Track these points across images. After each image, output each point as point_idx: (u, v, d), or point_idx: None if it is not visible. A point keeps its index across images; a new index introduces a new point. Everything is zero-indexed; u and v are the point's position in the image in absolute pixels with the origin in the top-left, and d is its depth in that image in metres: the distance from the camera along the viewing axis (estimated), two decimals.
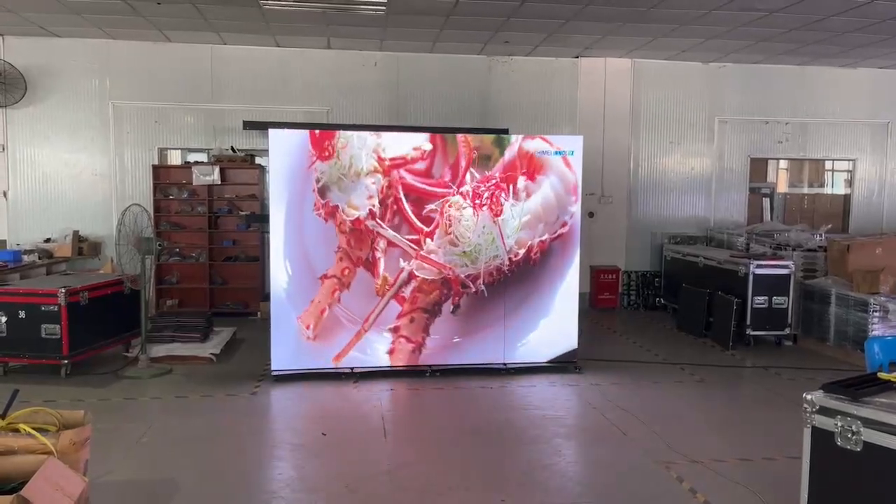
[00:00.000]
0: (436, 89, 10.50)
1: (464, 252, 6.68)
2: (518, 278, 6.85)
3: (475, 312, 6.80)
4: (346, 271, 6.48)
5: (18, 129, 9.78)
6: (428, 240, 6.62)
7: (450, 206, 6.63)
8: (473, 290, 6.72)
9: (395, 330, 6.62)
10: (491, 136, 6.95)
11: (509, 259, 6.80)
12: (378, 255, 6.52)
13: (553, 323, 6.99)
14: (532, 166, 6.84)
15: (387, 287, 6.54)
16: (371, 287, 6.55)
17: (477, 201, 6.68)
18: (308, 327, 6.48)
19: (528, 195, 6.87)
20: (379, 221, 6.49)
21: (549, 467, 4.74)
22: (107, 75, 9.90)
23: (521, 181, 6.83)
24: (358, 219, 6.47)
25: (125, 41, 9.80)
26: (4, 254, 8.75)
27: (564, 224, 6.97)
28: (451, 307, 6.70)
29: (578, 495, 4.35)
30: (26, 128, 9.79)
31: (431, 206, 6.60)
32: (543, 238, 6.88)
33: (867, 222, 11.59)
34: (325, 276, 6.45)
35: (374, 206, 6.50)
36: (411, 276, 6.59)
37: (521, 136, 6.86)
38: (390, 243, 6.54)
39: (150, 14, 8.49)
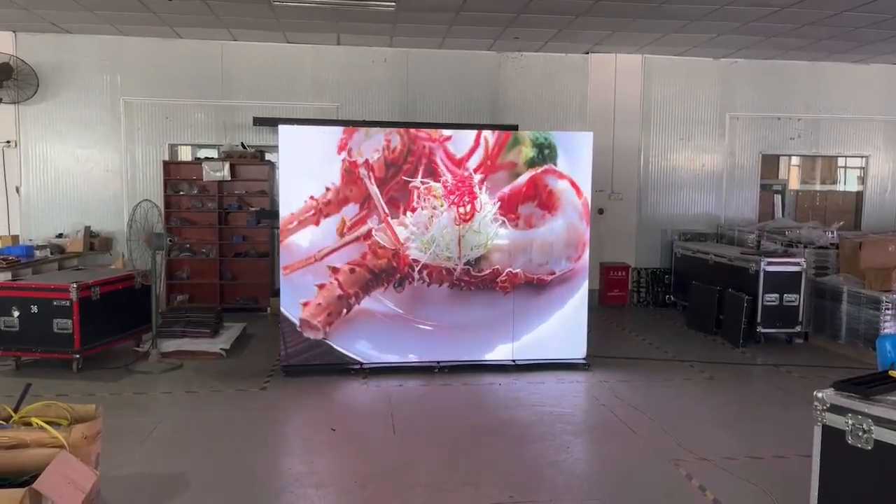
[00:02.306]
0: (446, 85, 10.48)
1: (423, 239, 6.66)
2: (478, 295, 6.77)
3: (425, 299, 6.72)
4: (327, 203, 6.49)
5: (31, 125, 9.84)
6: (409, 213, 6.62)
7: (428, 190, 6.63)
8: (417, 277, 6.67)
9: (334, 270, 6.55)
10: (530, 157, 6.80)
11: (466, 269, 6.74)
12: (366, 205, 6.54)
13: (510, 351, 6.96)
14: (550, 202, 6.84)
15: (345, 230, 6.53)
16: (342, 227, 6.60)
17: (451, 197, 6.66)
18: (281, 235, 6.52)
19: (529, 226, 6.84)
20: (369, 173, 6.50)
21: (558, 464, 4.73)
22: (118, 72, 9.94)
23: (527, 209, 6.80)
24: (354, 162, 6.50)
25: (136, 38, 9.85)
26: (17, 249, 8.82)
27: (552, 273, 6.91)
28: (395, 282, 6.65)
29: (587, 492, 4.34)
30: (38, 124, 9.85)
31: (414, 182, 6.59)
32: (517, 272, 6.83)
33: (880, 219, 11.50)
34: (311, 197, 6.47)
35: (373, 158, 6.52)
36: (370, 234, 6.57)
37: (544, 168, 6.79)
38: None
39: (161, 11, 8.53)
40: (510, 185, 6.77)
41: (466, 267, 6.74)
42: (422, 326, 6.77)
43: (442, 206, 6.65)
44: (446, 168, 6.66)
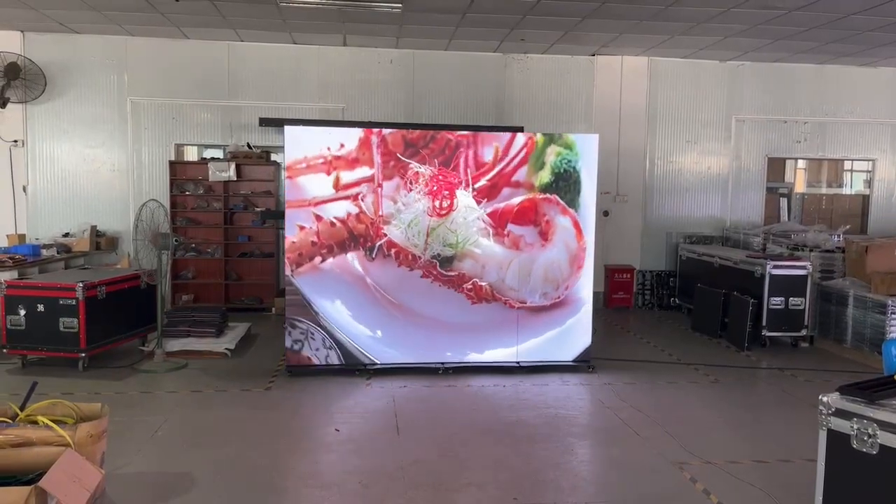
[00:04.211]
0: (451, 87, 10.49)
1: (402, 219, 6.65)
2: (440, 290, 6.74)
3: (406, 284, 6.71)
4: (338, 158, 6.56)
5: (38, 125, 9.88)
6: (404, 191, 6.64)
7: (418, 173, 6.64)
8: (385, 252, 6.66)
9: (318, 218, 6.58)
10: (545, 182, 6.79)
11: (433, 263, 6.71)
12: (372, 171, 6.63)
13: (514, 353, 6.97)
14: (545, 233, 6.83)
15: (338, 187, 6.57)
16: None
17: (431, 186, 6.67)
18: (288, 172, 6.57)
19: (515, 246, 6.81)
20: (380, 144, 6.57)
21: (562, 466, 4.73)
22: (125, 71, 9.98)
23: (520, 230, 6.78)
24: (370, 129, 6.66)
25: (143, 38, 9.88)
26: (24, 248, 8.85)
27: (522, 302, 6.86)
28: (367, 249, 6.64)
29: (591, 495, 4.34)
30: (46, 123, 9.90)
31: (413, 164, 6.61)
32: (483, 285, 6.79)
33: (886, 223, 11.46)
34: (328, 148, 6.54)
35: (387, 131, 6.66)
36: (358, 196, 6.60)
37: (545, 196, 6.78)
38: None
39: (168, 11, 8.56)
40: (506, 201, 6.77)
41: (434, 261, 6.73)
42: (400, 311, 6.74)
43: (422, 192, 6.66)
44: (464, 167, 6.68)
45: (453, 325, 6.83)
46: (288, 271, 6.61)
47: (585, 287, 7.01)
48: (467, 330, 6.87)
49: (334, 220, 6.60)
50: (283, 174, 6.80)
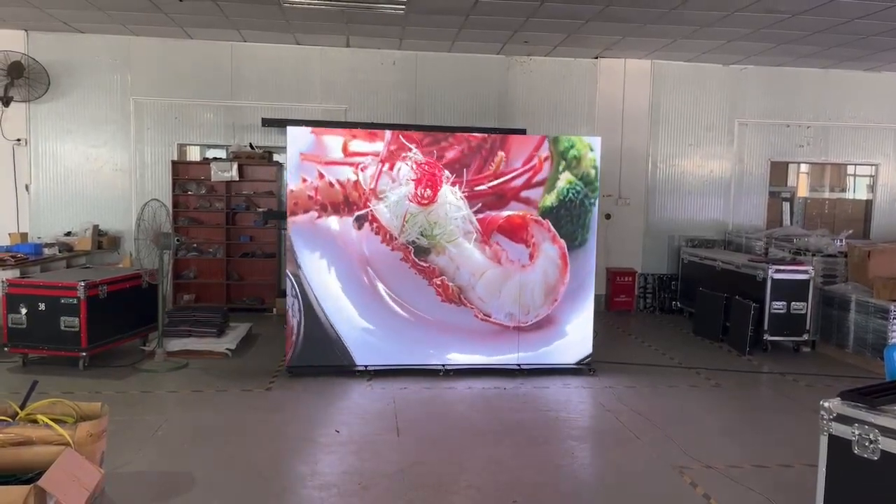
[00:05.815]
0: (454, 89, 10.49)
1: (389, 194, 6.67)
2: (417, 279, 6.73)
3: (376, 246, 6.71)
4: (352, 132, 6.74)
5: (41, 124, 9.89)
6: (401, 172, 6.70)
7: (411, 156, 6.65)
8: (368, 225, 6.69)
9: (320, 176, 6.62)
10: (548, 205, 6.79)
11: (409, 249, 6.69)
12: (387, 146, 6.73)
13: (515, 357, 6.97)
14: (531, 256, 6.80)
15: (346, 153, 6.64)
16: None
17: (416, 172, 6.68)
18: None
19: (495, 257, 6.79)
20: (398, 135, 6.70)
21: (562, 469, 4.73)
22: (128, 71, 10.00)
23: (507, 244, 6.77)
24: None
25: (147, 38, 9.90)
26: (26, 247, 8.85)
27: (486, 315, 6.82)
28: (356, 216, 6.67)
29: (591, 498, 4.33)
30: (49, 122, 9.91)
31: (414, 149, 6.67)
32: (451, 285, 6.77)
33: (889, 228, 11.44)
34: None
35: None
36: (359, 165, 6.64)
37: (537, 218, 6.78)
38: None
39: (171, 11, 8.57)
40: (496, 212, 6.76)
41: (409, 246, 6.73)
42: (378, 281, 6.75)
43: (409, 177, 6.68)
44: (468, 168, 6.70)
45: (428, 319, 6.78)
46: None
47: (571, 322, 6.93)
48: (444, 329, 6.82)
49: (333, 182, 6.65)
50: (286, 174, 6.83)
